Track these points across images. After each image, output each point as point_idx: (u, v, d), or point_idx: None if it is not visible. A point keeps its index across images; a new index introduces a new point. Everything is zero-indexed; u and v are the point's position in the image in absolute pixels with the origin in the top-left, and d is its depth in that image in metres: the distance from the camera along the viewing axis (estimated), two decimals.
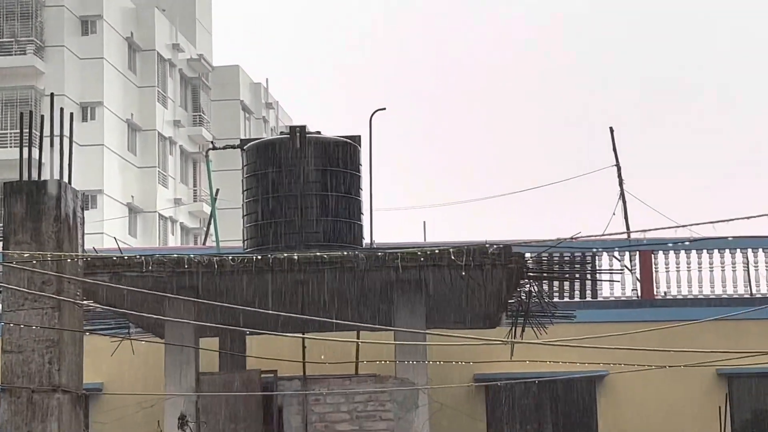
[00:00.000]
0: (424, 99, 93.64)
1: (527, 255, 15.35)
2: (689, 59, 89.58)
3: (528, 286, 15.80)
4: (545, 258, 16.28)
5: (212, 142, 19.86)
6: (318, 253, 14.15)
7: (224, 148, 18.62)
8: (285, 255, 14.11)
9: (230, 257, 14.02)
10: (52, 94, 12.54)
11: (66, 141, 11.73)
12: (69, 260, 11.38)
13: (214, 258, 14.13)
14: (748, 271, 21.16)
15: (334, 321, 13.92)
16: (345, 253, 14.38)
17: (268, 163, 16.29)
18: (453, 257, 13.98)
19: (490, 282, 14.83)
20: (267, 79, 62.13)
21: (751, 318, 17.95)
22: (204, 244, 25.04)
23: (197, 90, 54.29)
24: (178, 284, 14.46)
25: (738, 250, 21.08)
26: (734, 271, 21.15)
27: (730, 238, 20.56)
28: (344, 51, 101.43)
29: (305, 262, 14.07)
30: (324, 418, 15.07)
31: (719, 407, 17.72)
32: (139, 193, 48.34)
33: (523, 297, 16.15)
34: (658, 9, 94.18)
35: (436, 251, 14.21)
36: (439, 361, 15.19)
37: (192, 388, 14.94)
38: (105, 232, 42.29)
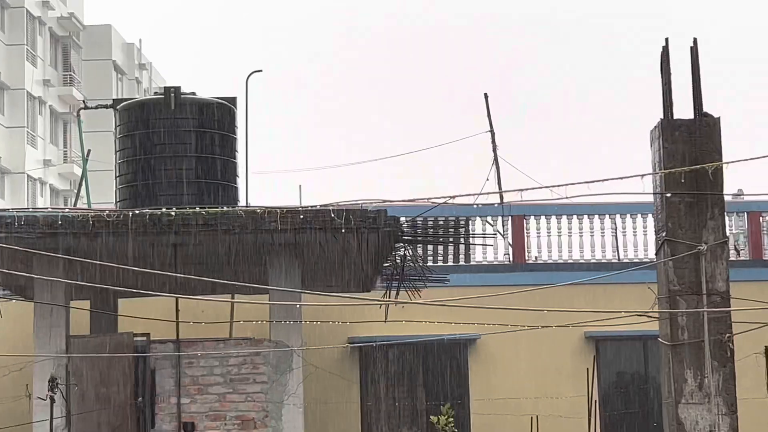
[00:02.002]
0: (302, 61, 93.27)
1: (402, 219, 15.45)
2: (558, 28, 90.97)
3: (402, 249, 15.91)
4: (420, 222, 16.40)
5: (84, 102, 19.45)
6: (195, 211, 13.98)
7: (96, 107, 18.28)
8: (161, 212, 13.91)
9: (105, 214, 13.77)
10: None
11: None
12: None
13: (89, 215, 13.87)
14: (616, 236, 21.67)
15: (207, 280, 13.77)
16: (220, 212, 14.25)
17: (141, 123, 16.06)
18: (330, 218, 13.97)
19: (365, 245, 14.89)
20: (140, 39, 61.26)
21: (618, 282, 18.36)
22: (75, 206, 24.59)
23: (68, 49, 53.11)
24: (49, 245, 14.17)
25: (607, 215, 21.57)
26: (603, 236, 21.64)
27: (598, 204, 21.05)
28: (220, 12, 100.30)
29: (180, 222, 13.91)
30: (197, 381, 14.98)
31: (587, 369, 18.15)
32: (6, 154, 47.17)
33: (397, 260, 16.26)
34: None
35: (312, 212, 14.19)
36: (316, 321, 15.20)
37: (62, 350, 14.70)
38: None
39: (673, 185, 8.56)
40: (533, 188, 7.84)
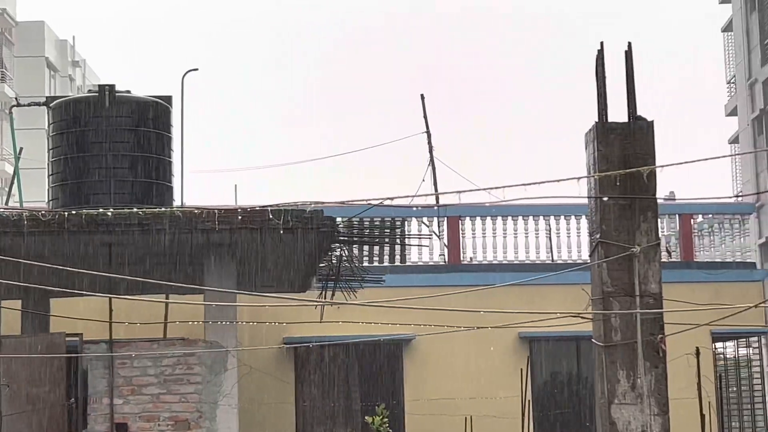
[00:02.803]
0: (238, 61, 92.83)
1: (338, 219, 15.44)
2: (498, 31, 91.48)
3: (339, 249, 15.91)
4: (356, 222, 16.41)
5: (16, 99, 19.21)
6: (130, 211, 13.87)
7: (29, 105, 18.05)
8: (96, 212, 13.78)
9: (40, 214, 13.61)
10: None
11: None
12: None
13: (24, 214, 13.70)
14: (550, 237, 21.87)
15: (141, 279, 13.68)
16: (156, 211, 14.14)
17: (75, 121, 15.88)
18: (266, 218, 13.93)
19: (301, 245, 14.86)
20: (74, 36, 60.53)
21: (551, 283, 18.52)
22: (6, 204, 24.28)
23: None
24: None
25: (541, 217, 21.76)
26: (537, 237, 21.83)
27: (532, 206, 21.22)
28: (156, 10, 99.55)
29: (114, 221, 13.78)
30: (130, 382, 14.86)
31: (521, 369, 18.29)
32: None
33: (333, 261, 16.26)
34: None
35: (249, 212, 14.13)
36: (253, 322, 15.16)
37: None
38: None
39: (607, 188, 8.66)
40: (472, 190, 7.88)
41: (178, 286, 15.79)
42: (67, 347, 14.92)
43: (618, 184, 8.53)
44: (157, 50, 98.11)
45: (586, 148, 8.93)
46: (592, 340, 8.88)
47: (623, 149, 8.64)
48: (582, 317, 8.88)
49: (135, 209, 13.87)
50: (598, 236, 8.74)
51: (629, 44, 8.73)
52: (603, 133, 8.76)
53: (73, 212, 13.68)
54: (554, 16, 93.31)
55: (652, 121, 8.73)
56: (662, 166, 7.89)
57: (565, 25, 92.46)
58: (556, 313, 8.65)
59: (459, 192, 7.97)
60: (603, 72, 8.85)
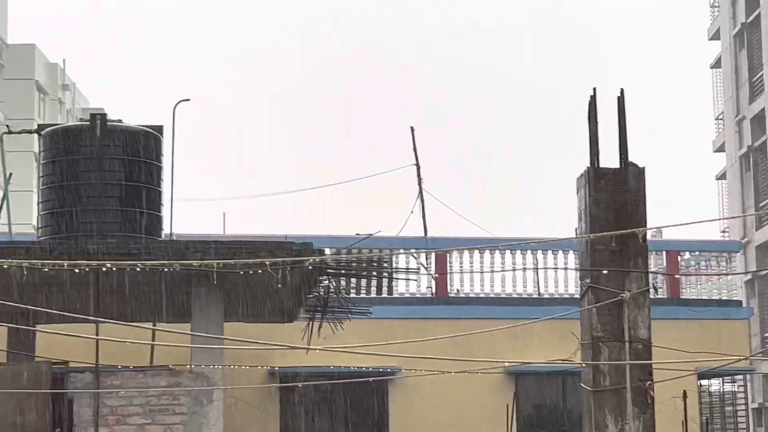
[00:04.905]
0: (228, 90, 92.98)
1: (327, 251, 15.46)
2: (482, 64, 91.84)
3: (326, 281, 15.90)
4: (344, 254, 16.41)
5: (7, 126, 19.19)
6: (117, 241, 13.88)
7: (20, 132, 18.05)
8: (86, 246, 13.78)
9: (26, 247, 13.60)
10: None
11: None
12: None
13: (13, 245, 13.70)
14: (537, 272, 21.91)
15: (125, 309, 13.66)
16: (144, 242, 14.15)
17: (66, 150, 15.87)
18: (254, 250, 13.94)
19: (289, 277, 14.85)
20: (64, 59, 60.48)
21: (539, 317, 18.54)
22: None
23: None
24: None
25: (528, 252, 21.79)
26: (524, 271, 21.86)
27: (521, 242, 21.26)
28: (147, 35, 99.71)
29: (103, 251, 13.79)
30: (116, 411, 14.81)
31: (507, 404, 18.29)
32: None
33: (321, 292, 16.26)
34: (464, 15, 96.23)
35: (237, 244, 14.15)
36: (237, 348, 15.10)
37: None
38: None
39: (599, 231, 8.70)
40: (476, 247, 7.90)
41: (166, 319, 15.75)
42: (53, 375, 14.86)
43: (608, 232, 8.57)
44: (148, 75, 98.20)
45: (577, 192, 8.97)
46: (581, 384, 8.90)
47: (615, 194, 8.70)
48: (570, 362, 8.90)
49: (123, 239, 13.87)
50: (588, 281, 8.79)
51: (621, 90, 8.80)
52: (595, 178, 8.82)
53: (62, 243, 13.67)
54: (546, 51, 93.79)
55: (644, 168, 8.79)
56: (656, 227, 7.94)
57: (556, 63, 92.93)
58: (547, 358, 8.66)
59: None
60: (595, 117, 8.91)
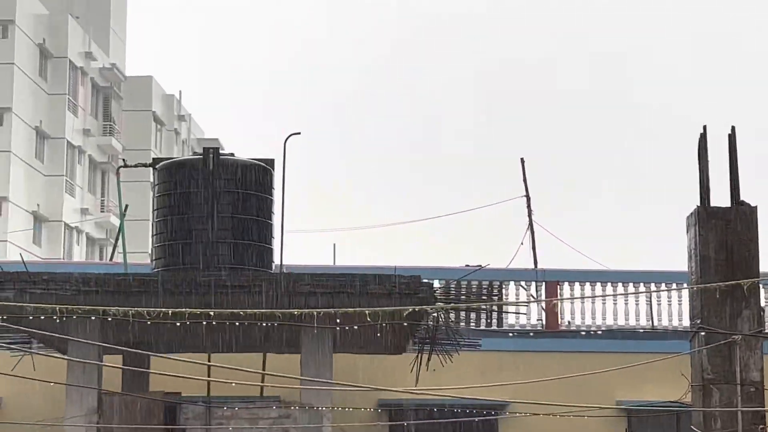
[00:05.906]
0: (339, 122, 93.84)
1: (435, 284, 15.45)
2: (603, 85, 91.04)
3: (435, 314, 15.88)
4: (453, 288, 16.38)
5: (124, 160, 19.68)
6: (229, 274, 14.08)
7: (136, 166, 18.45)
8: (197, 278, 14.02)
9: (137, 279, 13.88)
10: None
11: None
12: None
13: (127, 278, 13.99)
14: (651, 304, 21.53)
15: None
16: (256, 277, 14.34)
17: (180, 183, 16.18)
18: (364, 283, 14.02)
19: (398, 310, 14.87)
20: (180, 91, 61.74)
21: (652, 351, 18.19)
22: (111, 259, 24.78)
23: (108, 99, 53.70)
24: (84, 302, 14.26)
25: (642, 283, 21.43)
26: (637, 304, 21.50)
27: (633, 272, 20.96)
28: (261, 66, 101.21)
29: (215, 283, 14.00)
30: None
31: None
32: (45, 202, 47.59)
33: (430, 325, 16.24)
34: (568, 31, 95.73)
35: (347, 277, 14.23)
36: (349, 386, 15.16)
37: (93, 408, 14.76)
38: (9, 240, 41.56)
39: (709, 272, 8.54)
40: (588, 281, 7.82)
41: (276, 348, 15.83)
42: (165, 405, 15.11)
43: (720, 269, 8.41)
44: (262, 103, 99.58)
45: (687, 231, 8.82)
46: (692, 426, 8.73)
47: (725, 234, 8.54)
48: (682, 404, 8.74)
49: (228, 276, 14.05)
50: (698, 321, 8.63)
51: (733, 128, 8.64)
52: (704, 217, 8.67)
53: (174, 275, 13.91)
54: (666, 94, 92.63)
55: (756, 207, 8.61)
56: (761, 280, 7.76)
57: (669, 100, 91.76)
58: (660, 402, 8.49)
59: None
60: (705, 155, 8.77)
